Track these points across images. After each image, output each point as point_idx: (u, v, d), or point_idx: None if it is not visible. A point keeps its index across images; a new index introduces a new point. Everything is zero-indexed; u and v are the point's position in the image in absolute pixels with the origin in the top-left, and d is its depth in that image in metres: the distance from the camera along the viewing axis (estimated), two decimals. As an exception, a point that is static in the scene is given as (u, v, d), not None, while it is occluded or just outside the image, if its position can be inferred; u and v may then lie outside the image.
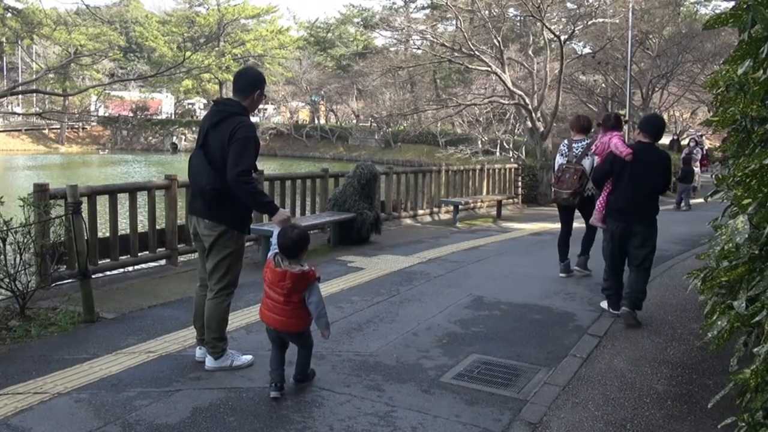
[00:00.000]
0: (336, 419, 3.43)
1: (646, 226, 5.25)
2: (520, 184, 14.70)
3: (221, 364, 4.02)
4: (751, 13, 2.40)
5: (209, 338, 4.00)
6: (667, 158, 5.38)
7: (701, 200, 6.46)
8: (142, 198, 7.38)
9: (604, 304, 5.68)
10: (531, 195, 15.42)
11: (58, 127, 53.84)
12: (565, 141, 7.20)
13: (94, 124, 59.46)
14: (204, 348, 4.08)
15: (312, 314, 3.58)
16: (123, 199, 7.20)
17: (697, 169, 17.09)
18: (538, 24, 18.26)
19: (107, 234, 6.81)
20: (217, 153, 3.79)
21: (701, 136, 21.39)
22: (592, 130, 7.33)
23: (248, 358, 4.12)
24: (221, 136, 3.77)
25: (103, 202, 6.99)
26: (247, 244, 8.32)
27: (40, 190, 5.73)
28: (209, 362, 4.03)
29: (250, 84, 3.95)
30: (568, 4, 24.36)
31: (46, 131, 54.84)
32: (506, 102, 18.00)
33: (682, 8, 28.85)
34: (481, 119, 28.80)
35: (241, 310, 5.36)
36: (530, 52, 21.00)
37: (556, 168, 7.12)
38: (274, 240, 3.65)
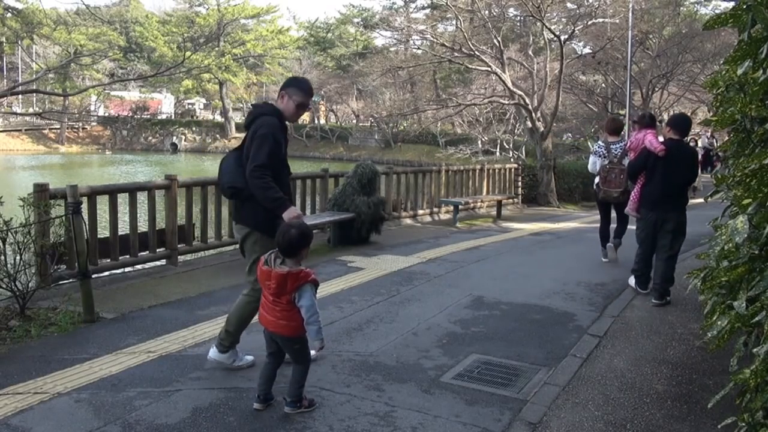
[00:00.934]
0: (336, 419, 3.43)
1: (678, 215, 5.85)
2: (520, 184, 14.70)
3: (222, 360, 4.02)
4: (751, 13, 2.40)
5: (223, 329, 4.00)
6: (695, 153, 6.28)
7: (701, 200, 6.57)
8: (142, 198, 7.38)
9: (632, 281, 6.38)
10: (531, 195, 15.42)
11: (58, 127, 53.81)
12: (600, 143, 7.90)
13: (94, 124, 59.45)
14: (218, 349, 4.04)
15: (304, 319, 3.35)
16: (123, 199, 7.20)
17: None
18: (538, 24, 18.26)
19: (107, 234, 6.81)
20: (245, 154, 3.87)
21: (712, 136, 21.48)
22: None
23: (249, 358, 4.11)
24: (248, 136, 3.88)
25: (103, 202, 6.98)
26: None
27: (40, 190, 5.73)
28: (212, 353, 4.04)
29: (281, 86, 4.01)
30: (568, 4, 24.33)
31: (46, 131, 54.81)
32: (506, 102, 18.00)
33: (682, 8, 28.82)
34: (481, 119, 28.79)
35: (241, 310, 5.35)
36: (530, 52, 20.99)
37: (596, 169, 7.76)
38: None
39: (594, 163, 7.80)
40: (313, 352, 3.52)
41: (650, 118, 6.81)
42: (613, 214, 7.93)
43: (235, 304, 4.03)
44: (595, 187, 7.94)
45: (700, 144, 22.78)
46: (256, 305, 3.84)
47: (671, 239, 5.85)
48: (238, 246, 4.08)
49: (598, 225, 8.12)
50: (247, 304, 3.96)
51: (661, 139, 6.59)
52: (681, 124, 6.01)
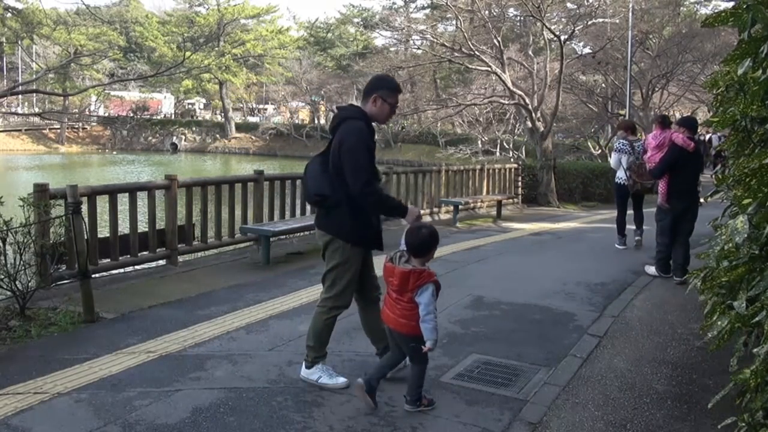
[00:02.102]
0: (336, 419, 3.43)
1: (696, 203, 6.85)
2: (520, 184, 14.69)
3: (308, 377, 3.83)
4: (751, 13, 2.40)
5: (306, 343, 3.84)
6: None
7: (701, 200, 6.65)
8: (142, 198, 7.38)
9: (652, 270, 7.08)
10: (531, 195, 15.41)
11: (58, 127, 53.82)
12: (623, 141, 8.77)
13: (94, 124, 59.46)
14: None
15: (420, 315, 3.37)
16: (123, 199, 7.20)
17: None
18: (538, 24, 18.26)
19: (107, 234, 6.81)
20: (331, 159, 3.70)
21: (721, 137, 21.47)
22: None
23: (342, 380, 3.80)
24: (335, 143, 3.69)
25: (103, 202, 6.99)
26: (247, 244, 8.35)
27: (40, 190, 5.73)
28: (300, 369, 3.88)
29: (369, 88, 3.77)
30: (568, 4, 24.34)
31: (46, 131, 54.81)
32: (506, 102, 18.00)
33: (682, 8, 28.82)
34: (481, 119, 28.78)
35: (240, 310, 5.36)
36: (530, 52, 21.01)
37: (620, 165, 8.62)
38: (402, 238, 3.53)
39: (619, 160, 8.65)
40: (424, 348, 3.43)
41: (668, 119, 7.87)
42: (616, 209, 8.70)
43: (312, 319, 3.86)
44: (620, 181, 8.74)
45: (715, 143, 22.75)
46: (330, 317, 3.78)
47: (690, 227, 6.80)
48: (321, 253, 3.88)
49: (607, 218, 9.25)
50: (320, 316, 3.79)
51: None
52: (694, 124, 7.07)
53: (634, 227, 9.03)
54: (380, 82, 3.85)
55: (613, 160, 8.93)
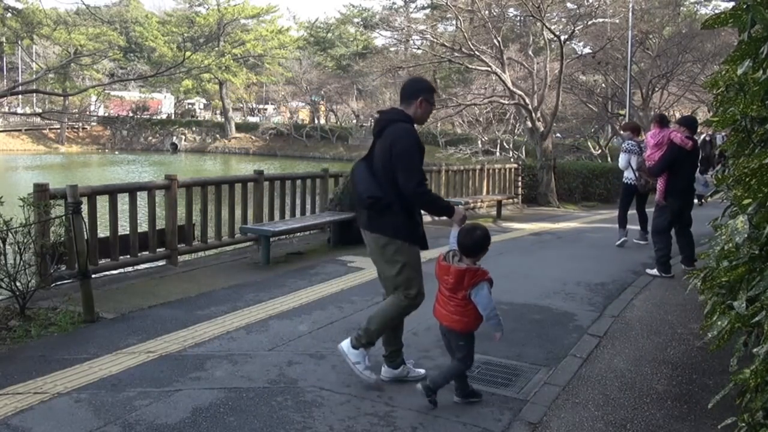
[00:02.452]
0: (336, 419, 3.43)
1: (692, 201, 7.26)
2: (520, 184, 14.70)
3: (348, 354, 3.79)
4: (751, 13, 2.40)
5: (364, 326, 3.77)
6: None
7: (702, 200, 6.68)
8: (142, 198, 7.38)
9: (653, 271, 7.08)
10: (531, 195, 15.41)
11: (58, 127, 53.81)
12: (631, 142, 8.98)
13: (94, 124, 59.45)
14: (388, 367, 3.90)
15: (482, 314, 3.50)
16: (123, 199, 7.20)
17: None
18: (538, 24, 18.25)
19: (107, 234, 6.81)
20: (378, 162, 3.73)
21: (724, 137, 21.44)
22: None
23: (374, 377, 3.82)
24: (383, 145, 3.71)
25: (103, 202, 6.98)
26: (247, 244, 8.35)
27: (40, 190, 5.73)
28: (344, 344, 3.82)
29: (414, 92, 3.82)
30: (568, 4, 24.34)
31: (46, 131, 54.81)
32: (506, 102, 17.99)
33: (682, 8, 28.82)
34: (481, 119, 28.78)
35: (241, 310, 5.36)
36: (530, 52, 21.00)
37: (634, 164, 8.81)
38: (452, 239, 3.63)
39: (628, 161, 8.88)
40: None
41: (667, 118, 8.16)
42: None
43: (384, 303, 3.83)
44: (629, 181, 8.98)
45: (719, 143, 22.75)
46: (406, 306, 3.78)
47: (689, 217, 7.15)
48: (370, 252, 3.86)
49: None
50: (397, 304, 3.76)
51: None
52: (694, 123, 7.25)
53: (638, 228, 9.26)
54: (422, 84, 3.93)
55: (622, 160, 9.08)
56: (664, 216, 7.04)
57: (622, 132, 10.96)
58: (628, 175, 9.02)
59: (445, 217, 3.88)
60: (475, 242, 3.53)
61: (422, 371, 3.96)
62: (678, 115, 36.32)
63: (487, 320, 3.50)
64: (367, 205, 3.74)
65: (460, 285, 3.48)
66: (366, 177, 3.76)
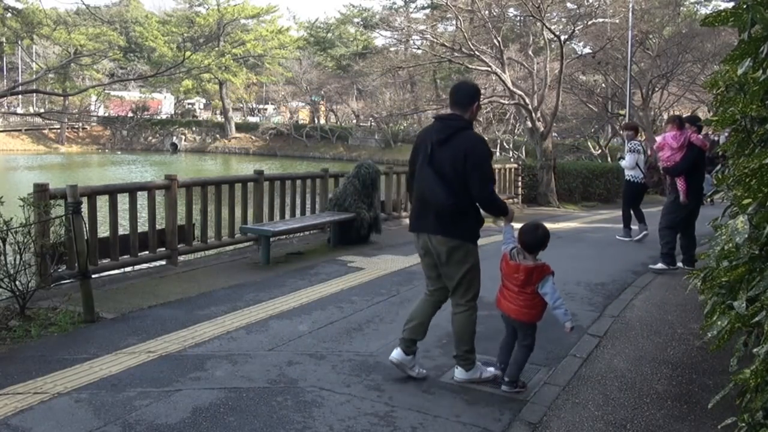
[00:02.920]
0: (336, 419, 3.43)
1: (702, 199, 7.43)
2: (520, 184, 14.70)
3: (472, 376, 3.96)
4: (751, 13, 2.40)
5: (461, 351, 3.96)
6: None
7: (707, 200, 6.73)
8: (142, 198, 7.38)
9: (659, 265, 7.33)
10: (531, 195, 15.41)
11: (58, 127, 53.83)
12: (635, 143, 9.47)
13: (94, 124, 59.45)
14: (402, 350, 4.01)
15: (549, 305, 3.78)
16: (123, 199, 7.20)
17: None
18: (538, 24, 18.25)
19: (107, 234, 6.81)
20: (448, 169, 3.76)
21: (728, 137, 21.43)
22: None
23: (492, 370, 4.02)
24: (453, 153, 3.75)
25: (103, 202, 6.98)
26: (247, 244, 8.35)
27: (40, 190, 5.73)
28: (459, 374, 3.98)
29: (470, 96, 3.94)
30: (568, 4, 24.32)
31: (46, 131, 54.81)
32: (506, 102, 17.99)
33: (682, 8, 28.80)
34: (481, 119, 28.77)
35: (240, 310, 5.36)
36: (530, 52, 20.97)
37: (641, 164, 9.32)
38: (507, 235, 3.98)
39: (635, 160, 9.31)
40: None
41: (683, 120, 8.25)
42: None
43: (458, 324, 3.97)
44: (636, 180, 9.46)
45: (722, 142, 22.75)
46: (476, 314, 4.01)
47: (696, 217, 7.34)
48: (436, 256, 3.94)
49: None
50: (470, 317, 3.97)
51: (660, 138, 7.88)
52: (700, 123, 7.55)
53: (638, 223, 9.65)
54: (475, 88, 4.09)
55: (628, 160, 9.41)
56: (677, 213, 7.32)
57: (624, 132, 11.40)
58: (635, 174, 9.40)
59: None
60: (537, 240, 3.87)
61: (492, 370, 4.05)
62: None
63: (555, 310, 3.79)
64: (449, 212, 3.79)
65: (530, 281, 3.80)
66: (438, 183, 3.78)
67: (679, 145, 7.40)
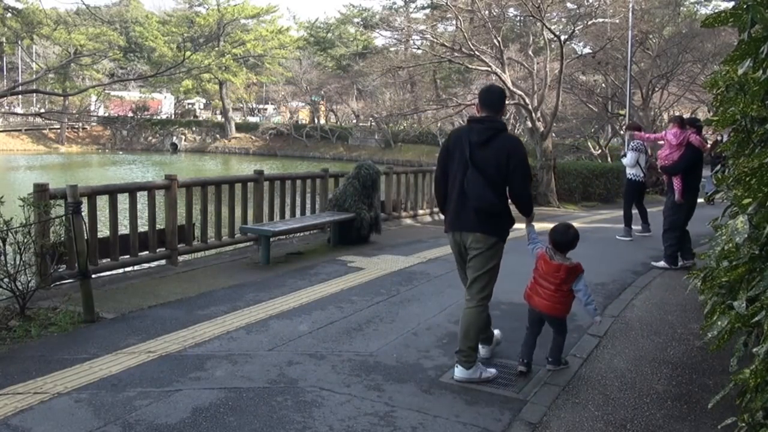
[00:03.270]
0: (336, 419, 3.43)
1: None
2: (520, 184, 14.67)
3: (472, 376, 3.98)
4: (751, 13, 2.40)
5: (465, 347, 3.98)
6: None
7: (701, 200, 6.71)
8: (142, 198, 7.38)
9: (660, 263, 7.57)
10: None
11: (58, 127, 53.83)
12: (638, 142, 9.67)
13: (94, 124, 59.45)
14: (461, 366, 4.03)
15: (581, 301, 4.09)
16: (123, 199, 7.20)
17: None
18: (538, 24, 18.24)
19: (107, 234, 6.81)
20: (493, 170, 3.92)
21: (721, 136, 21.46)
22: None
23: (493, 371, 4.08)
24: (496, 154, 3.92)
25: (103, 202, 6.98)
26: (247, 244, 8.35)
27: (40, 190, 5.72)
28: (459, 373, 3.98)
29: (501, 100, 4.12)
30: (568, 4, 24.32)
31: (46, 131, 54.81)
32: (506, 102, 17.97)
33: (682, 8, 28.80)
34: (481, 119, 28.69)
35: (240, 310, 5.36)
36: (530, 52, 20.97)
37: (642, 162, 9.64)
38: (532, 235, 4.28)
39: (636, 159, 9.57)
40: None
41: (685, 120, 8.49)
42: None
43: (467, 319, 4.00)
44: (637, 178, 9.75)
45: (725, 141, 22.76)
46: (486, 311, 4.11)
47: (692, 214, 7.54)
48: (458, 255, 4.18)
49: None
50: (482, 313, 4.05)
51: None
52: (700, 124, 7.75)
53: (642, 223, 10.07)
54: (504, 93, 4.25)
55: (630, 159, 9.64)
56: (679, 214, 7.49)
57: (628, 132, 11.70)
58: (636, 173, 9.68)
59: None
60: (569, 240, 4.15)
61: (494, 371, 4.11)
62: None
63: (587, 305, 4.11)
64: (491, 212, 3.96)
65: (569, 279, 4.07)
66: (484, 184, 3.92)
67: (678, 142, 7.58)
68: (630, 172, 9.77)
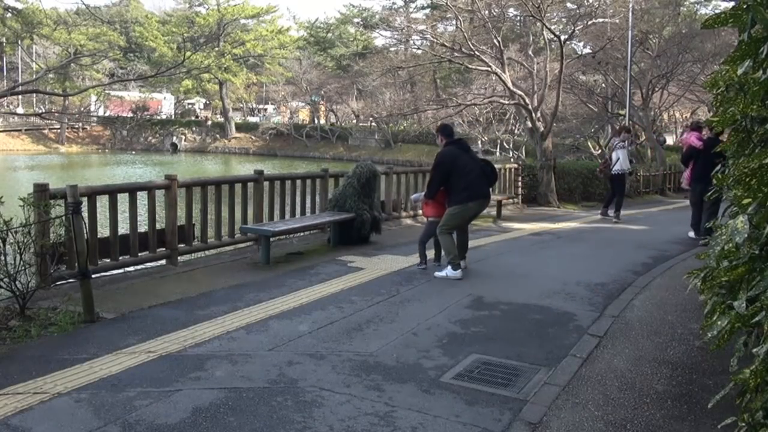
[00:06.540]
0: (336, 419, 3.43)
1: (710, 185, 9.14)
2: (520, 184, 14.69)
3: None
4: (751, 13, 2.40)
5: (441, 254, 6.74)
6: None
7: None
8: (142, 198, 7.38)
9: (692, 234, 9.94)
10: (531, 195, 15.40)
11: (58, 127, 53.86)
12: (618, 140, 12.56)
13: (94, 124, 59.48)
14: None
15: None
16: (123, 199, 7.20)
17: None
18: (538, 24, 18.24)
19: (107, 234, 6.81)
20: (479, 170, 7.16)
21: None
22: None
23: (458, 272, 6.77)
24: (474, 159, 7.44)
25: (103, 202, 6.98)
26: (247, 244, 8.35)
27: (40, 190, 5.72)
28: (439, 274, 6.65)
29: (453, 131, 6.81)
30: (568, 4, 24.32)
31: (46, 131, 54.85)
32: (506, 102, 17.99)
33: (682, 8, 28.77)
34: (481, 119, 28.80)
35: (240, 310, 5.36)
36: (530, 52, 20.96)
37: (622, 159, 12.19)
38: (418, 195, 5.93)
39: (618, 155, 12.20)
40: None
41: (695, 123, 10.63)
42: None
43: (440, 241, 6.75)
44: (622, 171, 12.26)
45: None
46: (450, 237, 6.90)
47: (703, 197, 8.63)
48: (473, 217, 7.40)
49: (608, 199, 13.05)
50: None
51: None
52: (701, 126, 9.73)
53: (614, 209, 12.38)
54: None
55: (622, 156, 12.19)
56: (693, 194, 9.87)
57: (622, 134, 13.44)
58: (623, 167, 12.19)
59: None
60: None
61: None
62: (678, 116, 36.66)
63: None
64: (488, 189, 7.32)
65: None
66: (482, 174, 7.07)
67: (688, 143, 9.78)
68: (617, 167, 12.14)
